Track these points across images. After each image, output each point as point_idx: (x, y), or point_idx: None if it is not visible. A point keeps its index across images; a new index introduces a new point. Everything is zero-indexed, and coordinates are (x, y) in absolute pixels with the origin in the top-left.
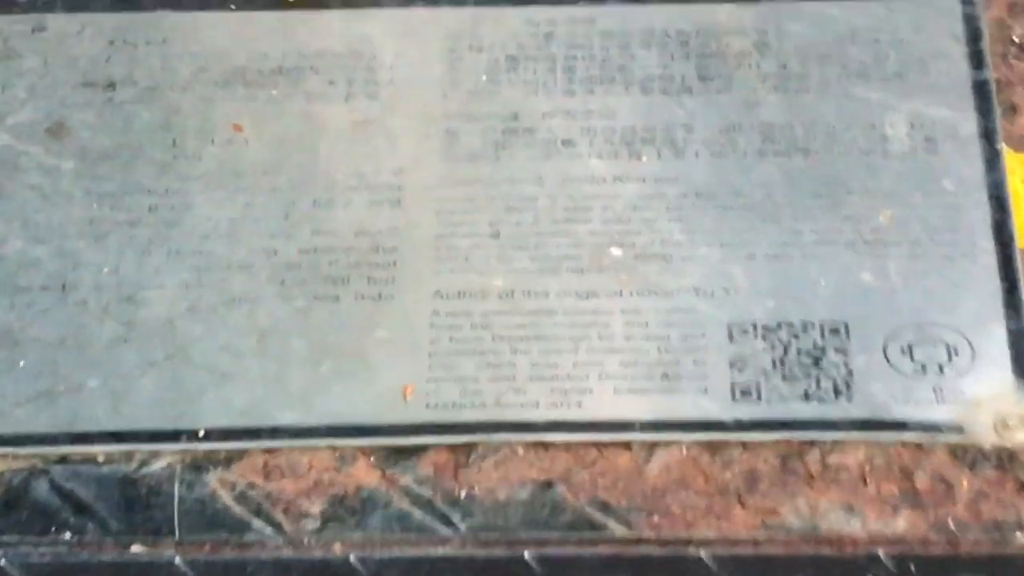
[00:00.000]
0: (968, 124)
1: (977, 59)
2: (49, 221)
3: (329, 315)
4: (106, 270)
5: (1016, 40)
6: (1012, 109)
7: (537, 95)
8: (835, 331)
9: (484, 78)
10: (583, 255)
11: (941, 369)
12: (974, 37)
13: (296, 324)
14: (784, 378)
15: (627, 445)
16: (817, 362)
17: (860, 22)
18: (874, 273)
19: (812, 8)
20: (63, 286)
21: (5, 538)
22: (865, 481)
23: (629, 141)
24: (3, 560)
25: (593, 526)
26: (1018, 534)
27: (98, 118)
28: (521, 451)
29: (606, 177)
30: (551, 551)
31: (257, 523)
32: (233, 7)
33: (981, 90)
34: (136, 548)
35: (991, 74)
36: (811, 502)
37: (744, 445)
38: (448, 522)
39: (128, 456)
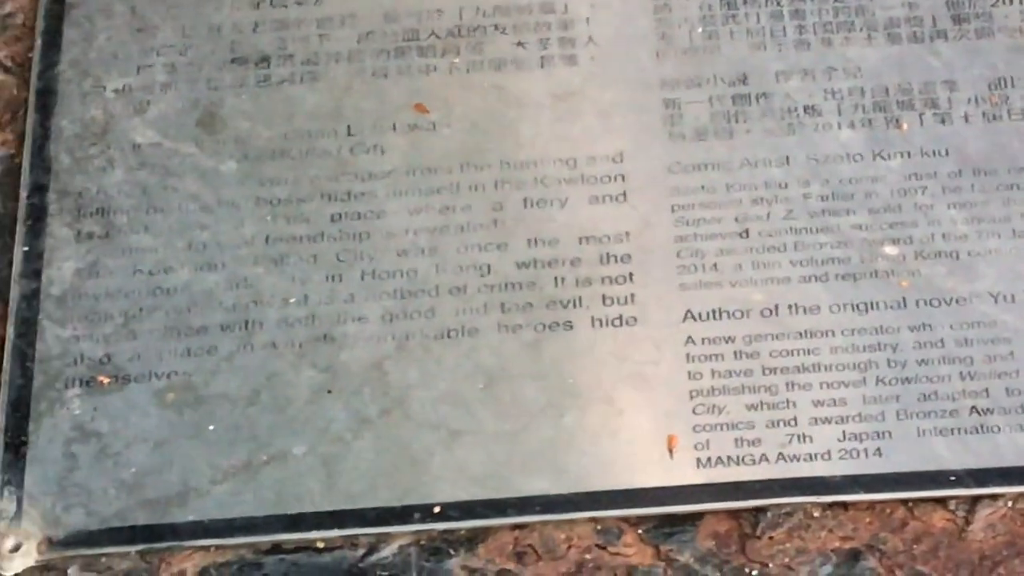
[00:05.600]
0: None
1: None
2: (217, 240)
3: (564, 349)
4: (292, 300)
5: None
6: None
7: (765, 49)
8: None
9: (700, 30)
10: (852, 256)
11: None
12: None
13: (526, 363)
14: None
15: (941, 501)
16: None
17: None
18: None
19: None
20: (246, 324)
21: None
22: None
23: (883, 105)
24: None
25: None
26: None
27: (254, 104)
28: (817, 514)
29: (863, 153)
30: None
31: None
32: None
33: None
34: None
35: None
36: None
37: None
38: None
39: (352, 541)
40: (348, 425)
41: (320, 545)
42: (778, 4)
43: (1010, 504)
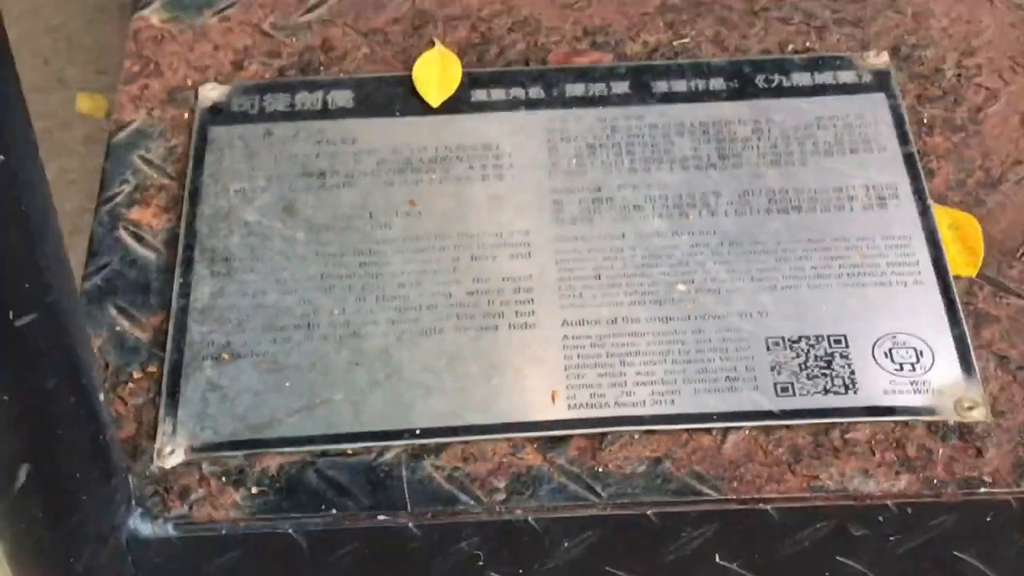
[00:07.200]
0: (905, 185)
1: (903, 137)
2: (293, 277)
3: (493, 341)
4: (335, 312)
5: (925, 121)
6: (930, 173)
7: (611, 173)
8: (837, 341)
9: (574, 161)
10: (660, 291)
11: (913, 367)
12: (899, 122)
13: (471, 350)
14: (809, 378)
15: (708, 431)
16: (829, 365)
17: (822, 112)
18: (858, 299)
19: (788, 103)
20: (308, 325)
21: (290, 513)
22: (873, 452)
23: (679, 205)
24: (290, 529)
25: (692, 491)
26: (981, 488)
27: (316, 200)
28: (637, 437)
29: (667, 232)
30: (665, 509)
31: (463, 497)
32: (398, 114)
33: (909, 160)
34: (381, 517)
35: (914, 147)
36: (839, 469)
37: (788, 428)
38: (592, 491)
39: (368, 450)
40: (367, 384)
41: (349, 452)
42: (619, 148)
43: (747, 432)
